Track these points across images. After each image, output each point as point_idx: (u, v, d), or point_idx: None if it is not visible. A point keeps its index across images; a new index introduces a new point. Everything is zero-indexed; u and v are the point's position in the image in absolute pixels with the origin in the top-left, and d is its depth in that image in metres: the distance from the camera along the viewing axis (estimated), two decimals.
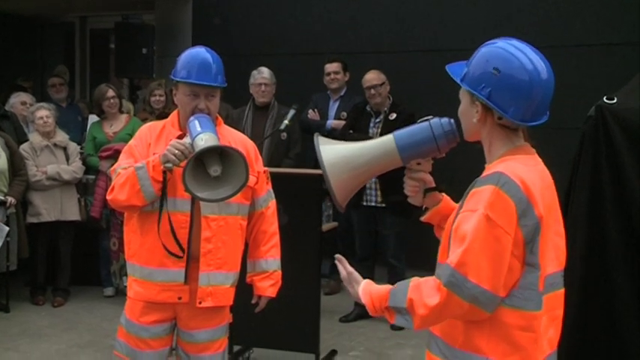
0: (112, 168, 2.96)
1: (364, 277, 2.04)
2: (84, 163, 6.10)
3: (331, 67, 6.23)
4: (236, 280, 2.98)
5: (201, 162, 2.63)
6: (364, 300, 1.96)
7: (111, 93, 6.15)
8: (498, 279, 1.78)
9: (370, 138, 5.34)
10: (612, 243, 3.08)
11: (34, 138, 5.97)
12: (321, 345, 4.53)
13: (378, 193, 5.46)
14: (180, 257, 2.82)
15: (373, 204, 5.49)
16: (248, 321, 3.53)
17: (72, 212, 5.97)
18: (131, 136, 3.53)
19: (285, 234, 3.24)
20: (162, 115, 4.96)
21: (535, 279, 1.84)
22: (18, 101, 6.63)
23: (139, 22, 8.14)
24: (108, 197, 2.88)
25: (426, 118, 2.03)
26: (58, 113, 6.14)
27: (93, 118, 6.50)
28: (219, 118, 3.00)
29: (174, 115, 2.97)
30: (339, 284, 6.44)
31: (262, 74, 5.81)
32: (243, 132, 3.83)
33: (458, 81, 1.95)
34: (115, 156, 5.49)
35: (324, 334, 4.65)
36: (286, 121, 4.88)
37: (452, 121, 2.00)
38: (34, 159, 5.88)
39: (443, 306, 1.79)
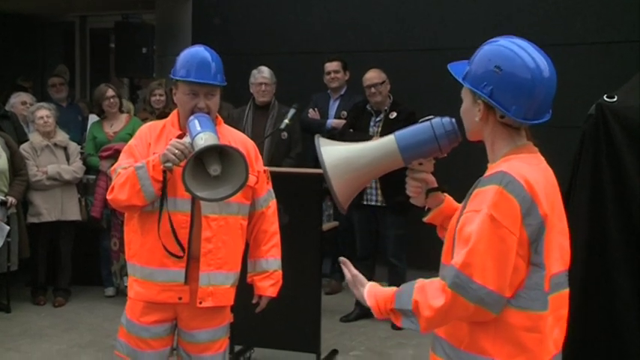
0: (112, 168, 2.96)
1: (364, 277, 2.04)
2: (84, 162, 6.10)
3: (331, 66, 6.23)
4: (236, 280, 2.98)
5: (201, 161, 2.62)
6: (369, 303, 1.95)
7: (110, 92, 6.15)
8: (504, 279, 1.77)
9: (371, 137, 5.36)
10: (613, 242, 3.08)
11: (35, 138, 5.97)
12: (322, 345, 4.52)
13: (379, 192, 5.46)
14: (180, 257, 2.81)
15: (374, 203, 5.49)
16: (249, 321, 3.53)
17: (72, 212, 5.97)
18: (131, 135, 3.53)
19: (286, 233, 3.24)
20: (163, 115, 4.96)
21: (540, 279, 1.83)
22: (18, 101, 6.64)
23: (139, 21, 8.13)
24: (108, 197, 2.88)
25: (427, 117, 2.02)
26: (59, 113, 6.14)
27: (93, 118, 6.50)
28: (219, 117, 3.00)
29: (174, 114, 2.97)
30: (340, 284, 6.45)
31: (262, 74, 5.80)
32: (244, 131, 3.83)
33: (460, 80, 1.94)
34: (115, 156, 5.49)
35: (325, 334, 4.64)
36: (287, 121, 4.87)
37: (453, 120, 1.99)
38: (35, 159, 5.88)
39: (448, 307, 1.78)
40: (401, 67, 6.19)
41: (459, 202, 2.01)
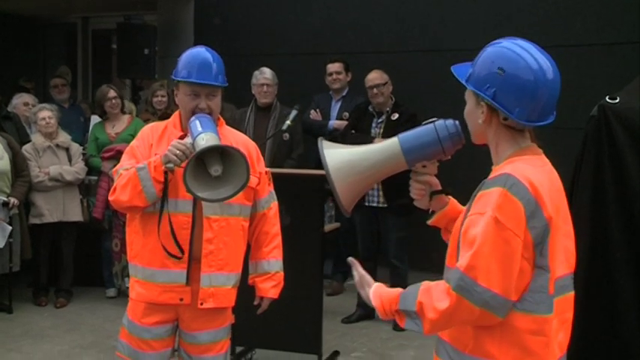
0: (114, 169, 2.96)
1: None
2: (86, 164, 6.10)
3: (333, 67, 6.23)
4: (238, 282, 2.98)
5: (203, 162, 2.62)
6: (374, 303, 1.95)
7: (112, 94, 6.16)
8: (509, 282, 1.76)
9: (373, 138, 5.35)
10: (615, 243, 3.08)
11: (37, 139, 5.97)
12: (323, 346, 4.52)
13: (380, 193, 5.45)
14: (180, 259, 2.81)
15: (375, 204, 5.48)
16: (250, 322, 3.53)
17: (74, 213, 5.98)
18: (133, 136, 3.53)
19: (288, 235, 3.24)
20: (165, 116, 4.96)
21: (545, 282, 1.82)
22: (20, 102, 6.65)
23: (140, 22, 8.14)
24: (110, 198, 2.88)
25: (430, 120, 2.01)
26: (61, 114, 6.15)
27: (95, 119, 6.51)
28: (221, 118, 3.00)
29: (175, 115, 2.97)
30: (342, 285, 6.45)
31: (264, 75, 5.80)
32: (245, 133, 3.83)
33: (463, 82, 1.94)
34: (116, 157, 5.50)
35: (326, 335, 4.64)
36: (288, 122, 4.87)
37: (457, 122, 1.99)
38: (37, 160, 5.89)
39: (453, 310, 1.77)
40: (401, 67, 6.19)
41: (464, 204, 2.00)
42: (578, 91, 5.04)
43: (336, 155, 2.03)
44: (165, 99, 6.16)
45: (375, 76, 5.53)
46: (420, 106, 5.49)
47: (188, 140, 2.72)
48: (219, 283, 2.87)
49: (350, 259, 2.09)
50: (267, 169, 3.10)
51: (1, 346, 5.06)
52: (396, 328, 5.43)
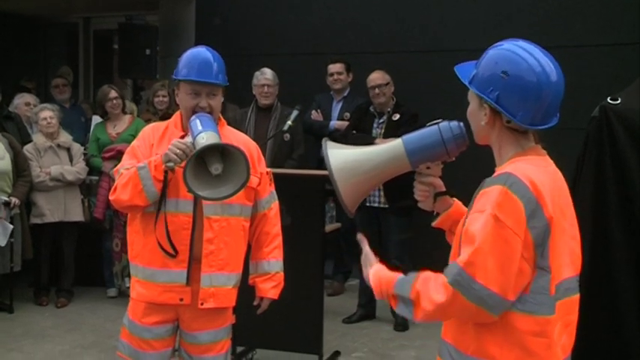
0: (115, 169, 2.97)
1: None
2: (87, 164, 6.11)
3: (334, 67, 6.23)
4: (238, 282, 2.98)
5: (203, 161, 2.63)
6: (372, 282, 1.98)
7: (113, 94, 6.16)
8: (507, 281, 1.76)
9: (374, 138, 5.35)
10: (616, 243, 3.08)
11: (38, 139, 5.98)
12: (324, 346, 4.52)
13: (382, 194, 5.45)
14: (173, 256, 2.81)
15: (376, 205, 5.48)
16: (251, 322, 3.53)
17: (75, 213, 5.98)
18: (134, 137, 3.53)
19: (288, 235, 3.24)
20: (166, 116, 4.96)
21: (546, 283, 1.81)
22: (22, 102, 6.66)
23: (142, 22, 8.13)
24: (110, 197, 2.88)
25: (435, 121, 2.01)
26: (62, 114, 6.15)
27: (96, 119, 6.52)
28: (222, 118, 3.01)
29: (177, 115, 2.98)
30: (342, 285, 6.45)
31: (265, 75, 5.80)
32: (246, 133, 3.83)
33: (466, 83, 1.93)
34: (117, 157, 5.51)
35: (327, 335, 4.64)
36: (289, 122, 4.88)
37: (461, 124, 1.98)
38: (38, 160, 5.89)
39: (448, 304, 1.77)
40: (401, 67, 6.19)
41: (468, 206, 2.00)
42: (579, 91, 5.04)
43: (339, 155, 2.03)
44: (166, 99, 6.17)
45: (377, 76, 5.53)
46: (420, 107, 5.49)
47: (188, 139, 2.72)
48: (219, 283, 2.87)
49: (359, 235, 2.11)
50: (269, 170, 3.10)
51: (2, 345, 5.06)
52: (397, 328, 5.43)
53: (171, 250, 2.79)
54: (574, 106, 4.22)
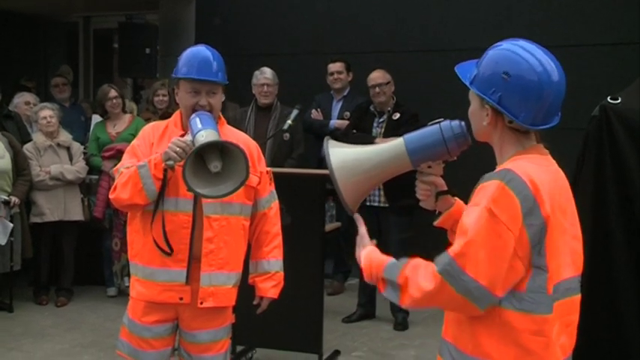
0: (115, 168, 2.97)
1: None
2: (87, 163, 6.11)
3: (334, 67, 6.23)
4: (238, 281, 2.98)
5: (202, 159, 2.62)
6: (363, 264, 2.00)
7: (113, 93, 6.16)
8: (496, 276, 1.75)
9: (374, 138, 5.35)
10: (616, 242, 3.08)
11: (38, 138, 5.98)
12: (324, 345, 4.52)
13: (382, 193, 5.45)
14: (169, 254, 2.80)
15: (377, 204, 5.48)
16: (251, 321, 3.53)
17: (75, 212, 5.98)
18: (134, 136, 3.53)
19: (288, 234, 3.24)
20: (166, 115, 4.96)
21: (543, 282, 1.80)
22: (22, 101, 6.66)
23: (142, 22, 8.15)
24: (110, 196, 2.88)
25: (436, 120, 2.01)
26: (62, 113, 6.15)
27: (96, 119, 6.52)
28: (222, 117, 3.00)
29: (176, 114, 2.97)
30: (342, 285, 6.45)
31: (265, 75, 5.80)
32: (246, 132, 3.82)
33: (467, 84, 1.93)
34: (117, 156, 5.51)
35: (327, 335, 4.64)
36: (289, 122, 4.87)
37: (463, 123, 1.98)
38: (38, 159, 5.89)
39: (435, 293, 1.78)
40: (401, 67, 6.19)
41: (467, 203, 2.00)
42: (580, 91, 5.03)
43: (340, 154, 2.03)
44: (166, 98, 6.16)
45: (377, 76, 5.53)
46: (420, 106, 5.49)
47: (188, 137, 2.72)
48: (219, 283, 2.87)
49: (356, 215, 2.11)
50: (269, 169, 3.10)
51: (1, 344, 5.06)
52: (397, 327, 5.43)
53: (166, 248, 2.79)
54: (574, 106, 4.22)
